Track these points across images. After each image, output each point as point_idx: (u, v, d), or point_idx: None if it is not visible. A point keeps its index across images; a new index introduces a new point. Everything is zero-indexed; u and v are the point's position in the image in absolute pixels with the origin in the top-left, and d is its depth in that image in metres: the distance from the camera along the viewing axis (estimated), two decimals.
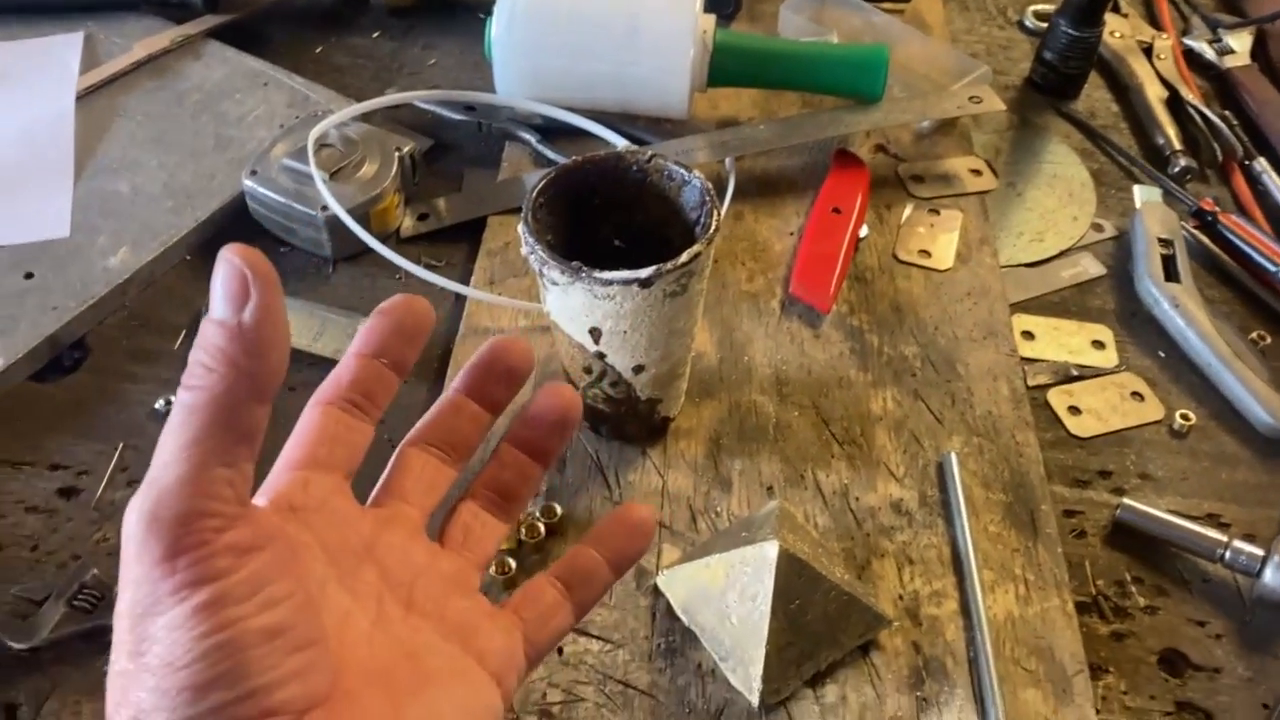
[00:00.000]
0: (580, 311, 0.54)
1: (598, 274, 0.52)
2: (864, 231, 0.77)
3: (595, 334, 0.55)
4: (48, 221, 0.75)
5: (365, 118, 0.79)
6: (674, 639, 0.56)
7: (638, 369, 0.58)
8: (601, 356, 0.57)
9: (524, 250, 0.53)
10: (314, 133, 0.74)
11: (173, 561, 0.26)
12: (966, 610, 0.57)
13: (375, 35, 0.95)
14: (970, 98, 0.81)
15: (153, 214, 0.75)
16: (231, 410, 0.27)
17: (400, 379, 0.38)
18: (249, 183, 0.74)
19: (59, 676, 0.54)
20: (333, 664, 0.30)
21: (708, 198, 0.55)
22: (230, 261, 0.27)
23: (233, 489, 0.28)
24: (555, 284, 0.53)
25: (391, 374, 0.37)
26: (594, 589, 0.40)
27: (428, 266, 0.72)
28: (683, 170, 0.57)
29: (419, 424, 0.40)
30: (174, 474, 0.27)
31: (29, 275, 0.71)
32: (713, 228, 0.54)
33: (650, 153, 0.58)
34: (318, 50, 0.93)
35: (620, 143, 0.80)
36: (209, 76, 0.87)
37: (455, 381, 0.40)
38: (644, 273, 0.52)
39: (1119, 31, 0.98)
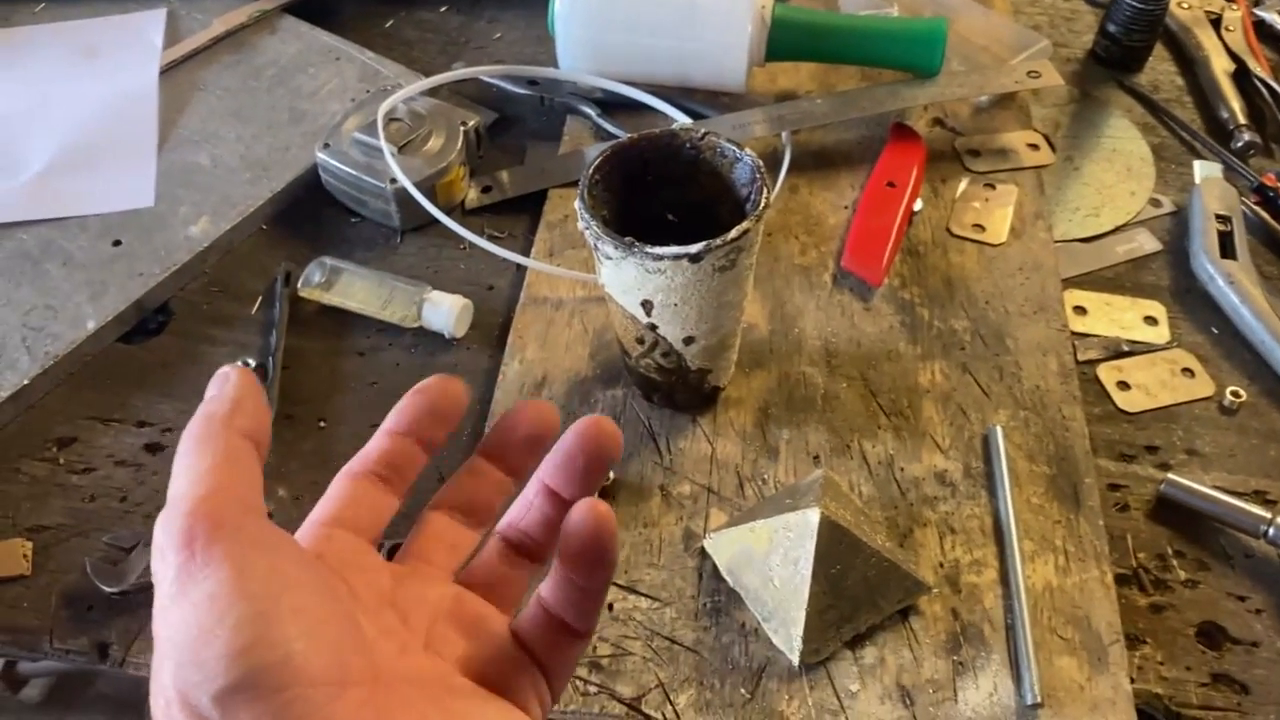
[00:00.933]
0: (633, 285, 0.56)
1: (649, 249, 0.54)
2: (918, 205, 0.78)
3: (647, 306, 0.57)
4: (134, 191, 0.79)
5: (432, 92, 0.82)
6: (719, 599, 0.58)
7: (688, 340, 0.60)
8: (653, 328, 0.59)
9: (580, 225, 0.56)
10: (383, 108, 0.76)
11: (193, 545, 0.28)
12: (1006, 580, 0.59)
13: (443, 9, 0.97)
14: (1029, 72, 0.81)
15: (231, 185, 0.79)
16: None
17: (429, 456, 0.38)
18: (322, 155, 0.77)
19: (145, 619, 0.58)
20: (368, 652, 0.31)
21: (759, 175, 0.57)
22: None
23: (250, 500, 0.31)
24: (609, 258, 0.56)
25: (420, 451, 0.38)
26: (592, 604, 0.36)
27: (490, 238, 0.75)
28: (735, 148, 0.58)
29: (441, 489, 0.40)
30: (192, 489, 0.30)
31: (117, 243, 0.75)
32: (762, 204, 0.56)
33: (704, 130, 0.59)
34: (388, 25, 0.96)
35: (679, 116, 0.82)
36: (284, 51, 0.90)
37: (388, 422, 0.38)
38: (694, 248, 0.54)
39: (1186, 2, 0.97)
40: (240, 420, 0.32)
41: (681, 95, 0.84)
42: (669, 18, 0.80)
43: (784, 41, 0.81)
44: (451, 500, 0.39)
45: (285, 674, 0.27)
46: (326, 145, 0.78)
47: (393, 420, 0.38)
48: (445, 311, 0.70)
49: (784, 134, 0.81)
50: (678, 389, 0.64)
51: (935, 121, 0.85)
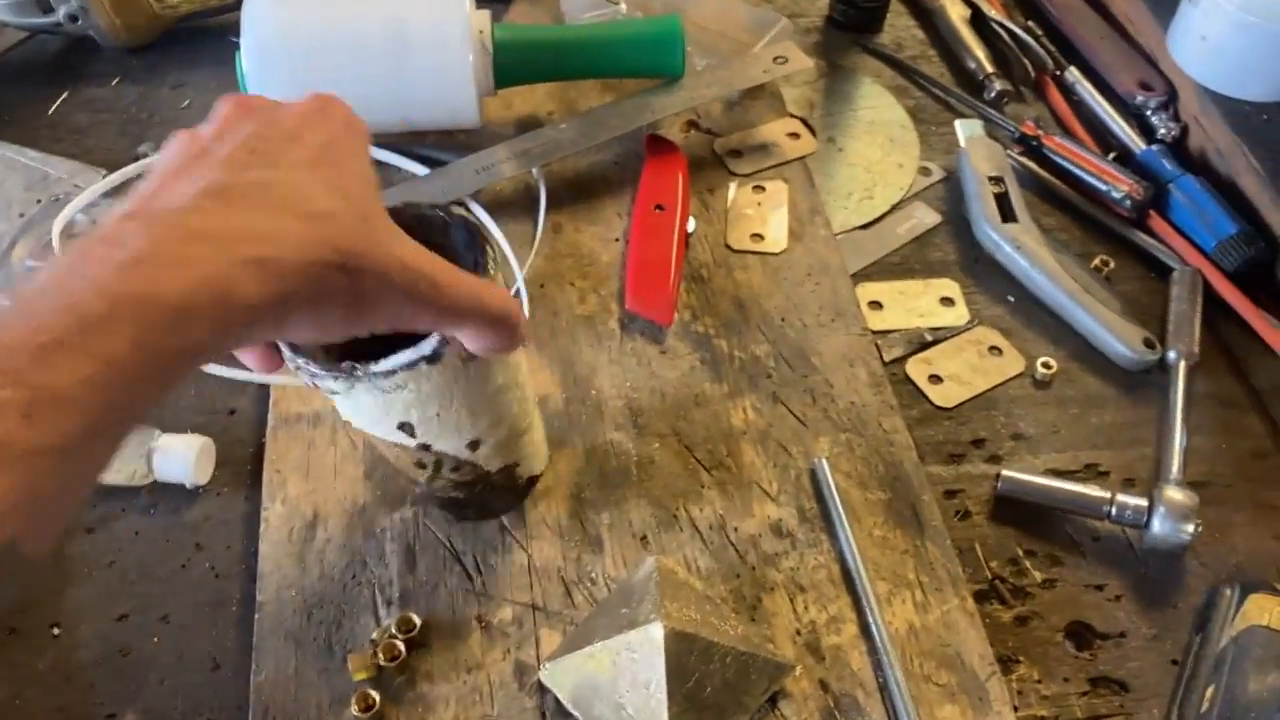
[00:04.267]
0: (379, 412, 0.47)
1: (375, 368, 0.44)
2: (691, 225, 0.72)
3: (408, 428, 0.48)
4: None
5: (123, 187, 0.70)
6: None
7: (473, 445, 0.52)
8: (427, 448, 0.50)
9: (289, 365, 0.46)
10: (57, 224, 0.64)
11: None
12: (867, 631, 0.54)
13: (115, 81, 0.83)
14: (775, 59, 0.76)
15: None
16: None
17: None
18: None
19: None
20: None
21: (477, 236, 0.48)
22: None
23: None
24: (335, 394, 0.46)
25: None
26: None
27: None
28: (441, 213, 0.49)
29: None
30: None
31: None
32: (490, 268, 0.47)
33: (401, 203, 0.50)
34: (50, 111, 0.81)
35: (413, 168, 0.73)
36: None
37: None
38: (426, 347, 0.45)
39: None
40: None
41: (412, 141, 0.75)
42: (377, 60, 0.70)
43: (512, 66, 0.73)
44: None
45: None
46: None
47: None
48: (180, 458, 0.59)
49: (534, 170, 0.73)
50: (489, 497, 0.56)
51: (689, 125, 0.79)
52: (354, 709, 0.50)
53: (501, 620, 0.54)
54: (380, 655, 0.52)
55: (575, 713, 0.51)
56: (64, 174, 0.74)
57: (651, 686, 0.48)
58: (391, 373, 0.44)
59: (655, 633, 0.48)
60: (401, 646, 0.52)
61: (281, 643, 0.53)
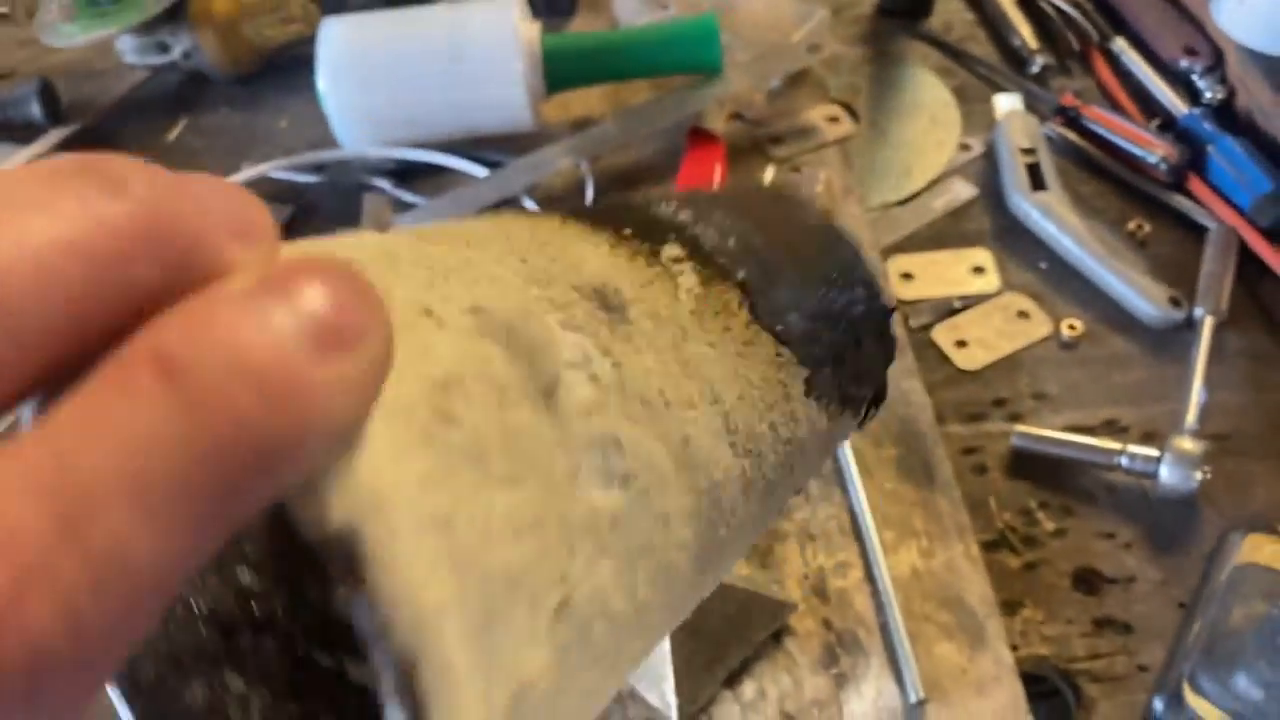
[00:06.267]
0: None
1: None
2: None
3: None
4: None
5: None
6: None
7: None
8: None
9: None
10: None
11: None
12: (872, 576, 0.57)
13: (224, 109, 0.94)
14: (809, 48, 0.80)
15: None
16: None
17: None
18: None
19: None
20: None
21: None
22: None
23: None
24: None
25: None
26: None
27: None
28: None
29: None
30: None
31: None
32: None
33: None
34: (170, 139, 0.92)
35: (475, 170, 0.80)
36: None
37: None
38: None
39: None
40: None
41: (474, 146, 0.82)
42: (437, 73, 0.77)
43: (562, 71, 0.79)
44: None
45: None
46: None
47: None
48: None
49: (582, 164, 0.79)
50: None
51: (733, 116, 0.84)
52: None
53: None
54: None
55: None
56: None
57: None
58: None
59: None
60: None
61: None
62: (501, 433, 0.18)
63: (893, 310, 0.30)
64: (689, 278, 0.23)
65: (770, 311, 0.24)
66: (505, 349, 0.18)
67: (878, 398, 0.28)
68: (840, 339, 0.26)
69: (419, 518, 0.16)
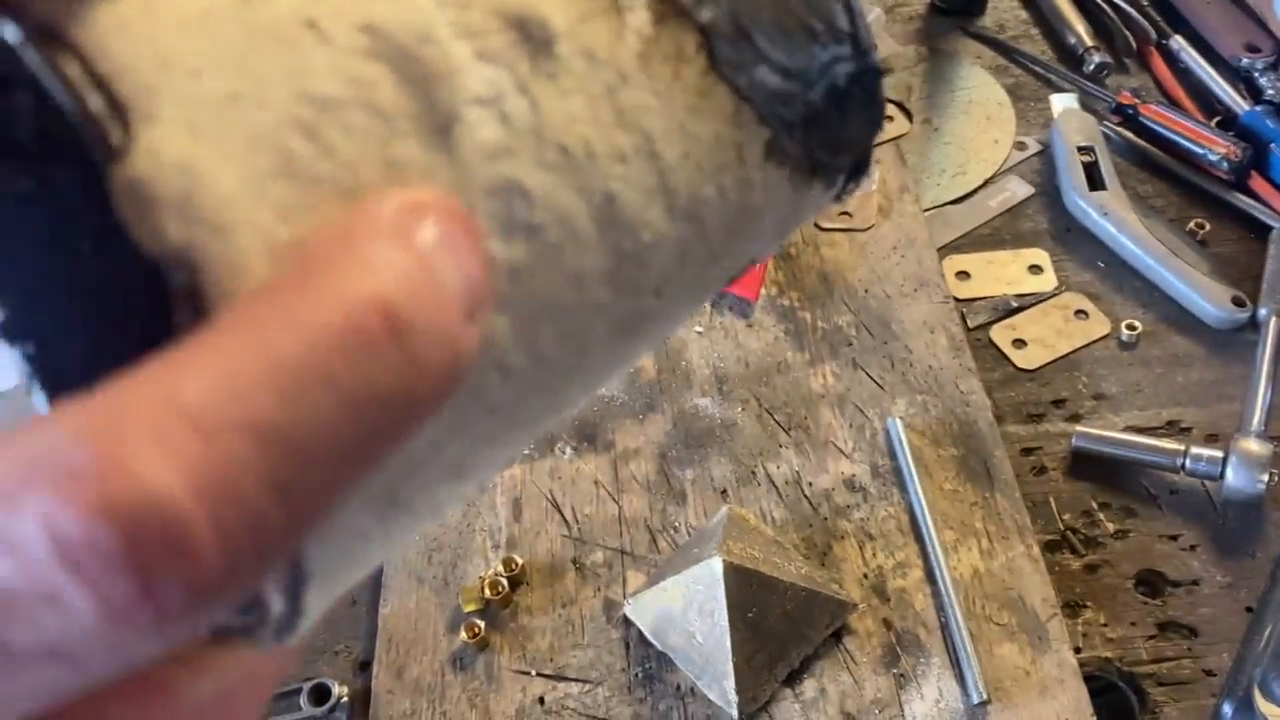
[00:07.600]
0: None
1: None
2: None
3: None
4: None
5: None
6: (650, 665, 0.56)
7: None
8: None
9: None
10: None
11: None
12: (932, 576, 0.57)
13: None
14: None
15: None
16: None
17: None
18: None
19: None
20: None
21: None
22: None
23: None
24: None
25: None
26: None
27: None
28: None
29: None
30: None
31: None
32: None
33: None
34: None
35: None
36: None
37: None
38: None
39: None
40: None
41: None
42: None
43: None
44: None
45: None
46: None
47: None
48: None
49: None
50: None
51: None
52: (463, 635, 0.57)
53: (594, 563, 0.60)
54: (487, 590, 0.59)
55: (655, 642, 0.56)
56: None
57: (715, 615, 0.53)
58: None
59: (715, 566, 0.53)
60: (505, 583, 0.59)
61: (406, 580, 0.61)
62: (384, 168, 0.17)
63: (885, 72, 0.25)
64: (639, 15, 0.20)
65: (733, 63, 0.21)
66: (397, 75, 0.17)
67: (858, 168, 0.25)
68: (817, 101, 0.23)
69: (279, 255, 0.15)
